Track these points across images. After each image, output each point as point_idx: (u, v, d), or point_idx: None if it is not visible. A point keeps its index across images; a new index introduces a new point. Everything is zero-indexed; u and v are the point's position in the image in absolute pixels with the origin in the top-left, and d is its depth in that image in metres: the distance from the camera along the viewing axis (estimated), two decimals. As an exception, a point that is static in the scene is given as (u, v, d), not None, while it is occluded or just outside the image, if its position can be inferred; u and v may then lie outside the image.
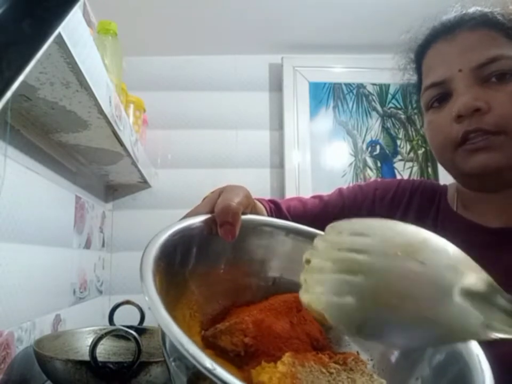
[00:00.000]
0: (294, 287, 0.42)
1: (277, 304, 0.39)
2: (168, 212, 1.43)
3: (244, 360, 0.33)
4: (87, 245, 1.16)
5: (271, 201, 0.66)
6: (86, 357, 0.58)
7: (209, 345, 0.35)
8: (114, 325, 0.80)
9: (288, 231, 0.45)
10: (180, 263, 0.37)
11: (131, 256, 1.39)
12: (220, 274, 0.41)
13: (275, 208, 0.65)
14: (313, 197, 0.71)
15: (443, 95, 0.55)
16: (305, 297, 0.30)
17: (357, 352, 0.39)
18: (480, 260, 0.54)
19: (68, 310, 0.99)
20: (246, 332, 0.34)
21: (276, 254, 0.44)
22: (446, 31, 0.56)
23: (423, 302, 0.27)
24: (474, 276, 0.30)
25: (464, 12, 0.56)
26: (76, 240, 1.06)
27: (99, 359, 0.57)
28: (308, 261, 0.32)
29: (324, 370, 0.32)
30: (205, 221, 0.39)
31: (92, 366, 0.57)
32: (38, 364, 0.65)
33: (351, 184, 0.72)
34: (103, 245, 1.34)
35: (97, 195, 1.28)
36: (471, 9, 0.55)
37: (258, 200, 0.61)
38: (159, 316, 0.25)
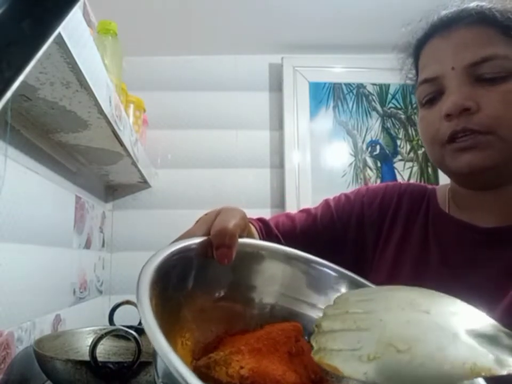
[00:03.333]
0: (290, 315, 0.41)
1: (274, 333, 0.37)
2: (168, 211, 1.43)
3: None
4: (87, 245, 1.16)
5: (259, 220, 0.66)
6: (86, 357, 0.58)
7: (202, 376, 0.32)
8: (114, 325, 0.80)
9: (285, 256, 0.43)
10: (175, 288, 0.35)
11: (131, 256, 1.39)
12: (214, 300, 0.39)
13: (264, 227, 0.65)
14: (301, 211, 0.70)
15: (435, 92, 0.55)
16: (317, 356, 0.30)
17: None
18: (472, 260, 0.54)
19: (68, 310, 0.99)
20: (242, 362, 0.32)
21: (271, 280, 0.42)
22: (442, 27, 0.55)
23: (431, 344, 0.27)
24: (478, 319, 0.30)
25: (462, 7, 0.55)
26: (76, 240, 1.06)
27: (99, 359, 0.57)
28: (319, 326, 0.33)
29: None
30: (201, 244, 0.37)
31: (92, 366, 0.57)
32: (38, 364, 0.65)
33: (337, 195, 0.70)
34: (103, 245, 1.34)
35: (97, 195, 1.28)
36: (471, 4, 0.54)
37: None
38: (157, 342, 0.24)
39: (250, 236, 0.51)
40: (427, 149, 0.58)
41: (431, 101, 0.55)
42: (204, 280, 0.38)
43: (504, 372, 0.26)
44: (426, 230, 0.60)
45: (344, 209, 0.66)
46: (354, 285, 0.43)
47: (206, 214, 0.43)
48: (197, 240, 0.38)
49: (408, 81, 0.65)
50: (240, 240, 0.39)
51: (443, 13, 0.56)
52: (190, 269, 0.37)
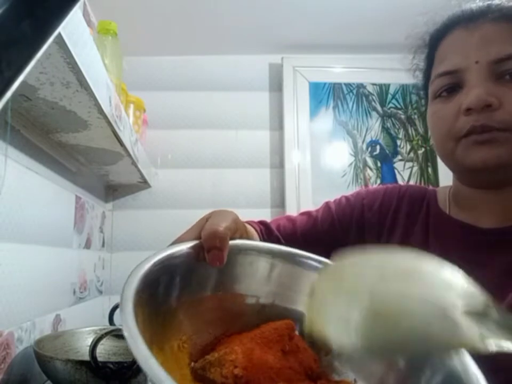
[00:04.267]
0: (287, 314, 0.41)
1: (267, 332, 0.38)
2: (168, 211, 1.43)
3: None
4: (87, 245, 1.16)
5: (260, 222, 0.66)
6: (86, 357, 0.58)
7: (199, 378, 0.33)
8: (114, 325, 0.80)
9: (278, 255, 0.43)
10: (166, 293, 0.35)
11: (131, 256, 1.39)
12: (209, 303, 0.39)
13: (265, 230, 0.64)
14: (301, 214, 0.70)
15: (453, 86, 0.53)
16: (309, 328, 0.31)
17: (354, 380, 0.38)
18: (474, 261, 0.54)
19: (68, 310, 0.99)
20: (236, 362, 0.33)
21: (266, 279, 0.42)
22: (468, 19, 0.54)
23: (419, 318, 0.28)
24: (470, 294, 0.31)
25: (489, 2, 0.54)
26: (76, 240, 1.06)
27: (99, 359, 0.57)
28: (311, 295, 0.33)
29: None
30: (192, 247, 0.37)
31: (92, 366, 0.57)
32: (38, 363, 0.65)
33: (337, 197, 0.70)
34: (103, 245, 1.34)
35: (97, 195, 1.28)
36: (497, 1, 0.53)
37: (248, 223, 0.61)
38: (137, 350, 0.24)
39: (250, 237, 0.51)
40: (438, 143, 0.57)
41: (448, 94, 0.54)
42: (196, 283, 0.38)
43: (487, 350, 0.27)
44: (427, 231, 0.60)
45: (344, 212, 0.66)
46: None
47: (199, 220, 0.43)
48: (189, 244, 0.38)
49: (417, 73, 0.63)
50: (232, 242, 0.39)
51: (468, 5, 0.55)
52: (181, 274, 0.37)
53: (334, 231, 0.65)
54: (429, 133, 0.61)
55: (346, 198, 0.68)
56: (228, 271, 0.40)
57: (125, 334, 0.25)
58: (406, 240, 0.60)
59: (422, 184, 1.45)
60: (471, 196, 0.58)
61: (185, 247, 0.37)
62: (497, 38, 0.51)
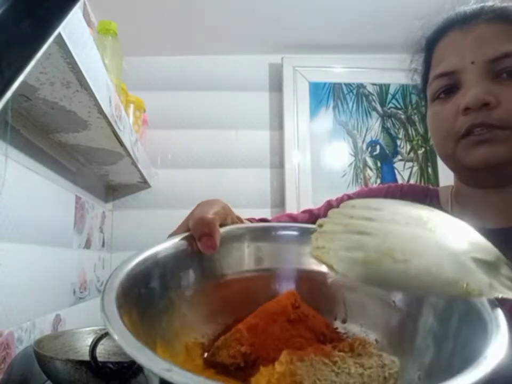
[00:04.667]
0: (289, 286, 0.41)
1: (269, 306, 0.37)
2: (168, 212, 1.43)
3: (247, 371, 0.31)
4: (87, 245, 1.16)
5: (261, 219, 0.66)
6: (86, 357, 0.58)
7: (211, 365, 0.33)
8: (114, 325, 0.80)
9: (265, 232, 0.43)
10: (162, 289, 0.35)
11: (131, 256, 1.38)
12: (210, 293, 0.38)
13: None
14: (303, 211, 0.70)
15: (451, 87, 0.54)
16: (315, 253, 0.32)
17: (376, 340, 0.37)
18: None
19: (68, 310, 0.98)
20: (242, 340, 0.32)
21: (266, 259, 0.42)
22: (462, 21, 0.55)
23: (430, 260, 0.29)
24: (482, 246, 0.31)
25: (483, 4, 0.55)
26: (76, 240, 1.06)
27: (99, 359, 0.57)
28: (320, 226, 0.34)
29: (326, 360, 0.30)
30: (183, 239, 0.37)
31: (92, 366, 0.57)
32: (38, 363, 0.65)
33: (339, 195, 0.70)
34: (103, 245, 1.34)
35: (97, 195, 1.28)
36: (490, 2, 0.54)
37: (249, 219, 0.61)
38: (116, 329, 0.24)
39: None
40: (438, 144, 0.57)
41: (446, 95, 0.55)
42: (194, 275, 0.38)
43: (493, 296, 0.27)
44: None
45: None
46: None
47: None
48: (179, 237, 0.37)
49: (415, 77, 0.63)
50: (223, 228, 0.39)
51: (462, 8, 0.56)
52: (175, 267, 0.36)
53: None
54: (429, 134, 0.61)
55: (348, 196, 0.68)
56: (224, 258, 0.39)
57: (111, 331, 0.25)
58: None
59: (422, 184, 1.45)
60: (473, 196, 0.58)
61: (175, 240, 0.37)
62: (491, 38, 0.52)
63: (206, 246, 0.36)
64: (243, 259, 0.41)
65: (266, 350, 0.32)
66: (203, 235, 0.36)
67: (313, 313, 0.37)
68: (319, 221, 0.34)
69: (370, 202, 0.36)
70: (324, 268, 0.39)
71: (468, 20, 0.54)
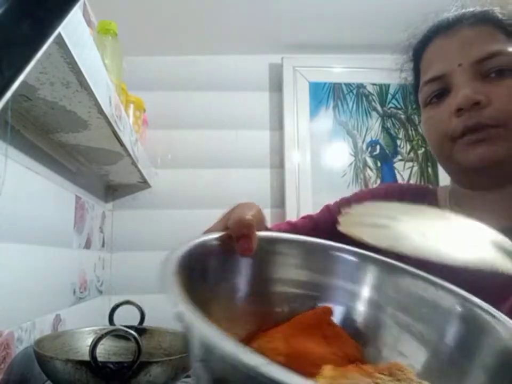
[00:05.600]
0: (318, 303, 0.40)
1: (306, 318, 0.36)
2: (168, 212, 1.43)
3: None
4: (87, 245, 1.16)
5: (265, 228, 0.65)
6: (86, 357, 0.58)
7: None
8: (114, 325, 0.80)
9: (305, 246, 0.42)
10: (199, 282, 0.33)
11: (131, 256, 1.39)
12: (240, 298, 0.37)
13: None
14: (303, 217, 0.69)
15: (442, 91, 0.55)
16: (345, 228, 0.35)
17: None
18: None
19: (68, 310, 0.98)
20: (278, 350, 0.31)
21: (295, 271, 0.41)
22: (446, 27, 0.56)
23: (457, 240, 0.33)
24: (501, 239, 0.35)
25: (464, 9, 0.57)
26: (76, 240, 1.06)
27: (99, 359, 0.57)
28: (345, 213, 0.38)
29: (368, 380, 0.29)
30: (220, 238, 0.36)
31: (92, 366, 0.57)
32: (38, 363, 0.65)
33: (338, 199, 0.70)
34: (103, 245, 1.34)
35: (97, 195, 1.28)
36: (471, 7, 0.56)
37: None
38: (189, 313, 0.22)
39: None
40: (435, 146, 0.58)
41: (438, 99, 0.56)
42: (227, 276, 0.37)
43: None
44: None
45: None
46: (377, 265, 0.42)
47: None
48: (216, 235, 0.37)
49: (408, 84, 0.65)
50: (260, 233, 0.38)
51: (445, 15, 0.57)
52: (212, 265, 0.36)
53: (335, 232, 0.65)
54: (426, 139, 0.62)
55: (347, 198, 0.68)
56: (256, 264, 0.39)
57: (171, 295, 0.24)
58: None
59: (421, 184, 1.45)
60: (468, 198, 0.58)
61: (213, 237, 0.36)
62: (475, 40, 0.53)
63: (244, 248, 0.36)
64: (275, 267, 0.41)
65: (301, 363, 0.31)
66: (241, 236, 0.36)
67: (345, 335, 0.37)
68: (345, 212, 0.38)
69: (395, 207, 0.39)
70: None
71: (451, 26, 0.56)
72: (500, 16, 0.54)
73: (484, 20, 0.54)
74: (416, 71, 0.62)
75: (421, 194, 0.65)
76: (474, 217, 0.57)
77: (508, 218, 0.55)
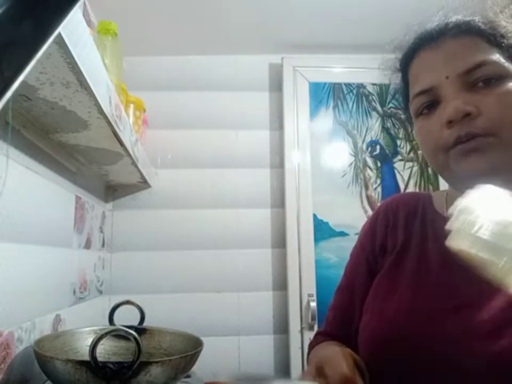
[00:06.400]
0: None
1: None
2: (168, 212, 1.43)
3: None
4: (87, 245, 1.16)
5: (320, 335, 0.66)
6: (86, 357, 0.58)
7: None
8: (114, 325, 0.80)
9: None
10: None
11: (131, 256, 1.39)
12: None
13: (328, 338, 0.64)
14: (336, 296, 0.69)
15: (431, 102, 0.56)
16: (455, 242, 0.35)
17: None
18: None
19: (68, 310, 0.98)
20: None
21: None
22: (429, 39, 0.57)
23: None
24: None
25: (446, 20, 0.57)
26: (76, 240, 1.06)
27: (99, 359, 0.57)
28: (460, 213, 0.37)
29: None
30: None
31: (92, 366, 0.57)
32: (38, 363, 0.65)
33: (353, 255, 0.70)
34: (103, 245, 1.34)
35: (97, 195, 1.28)
36: (453, 18, 0.57)
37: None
38: None
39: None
40: (430, 157, 0.58)
41: (429, 110, 0.56)
42: None
43: None
44: (425, 236, 0.60)
45: (360, 265, 0.65)
46: None
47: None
48: None
49: (399, 94, 0.66)
50: None
51: (428, 26, 0.58)
52: None
53: (370, 276, 0.64)
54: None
55: (355, 249, 0.68)
56: None
57: None
58: (407, 243, 0.60)
59: (422, 184, 1.45)
60: None
61: None
62: (461, 51, 0.54)
63: None
64: None
65: None
66: None
67: None
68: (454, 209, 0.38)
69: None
70: None
71: (435, 38, 0.56)
72: (482, 26, 0.54)
73: (467, 30, 0.55)
74: (405, 81, 0.63)
75: (414, 202, 0.65)
76: None
77: None
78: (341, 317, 0.65)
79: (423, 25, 0.58)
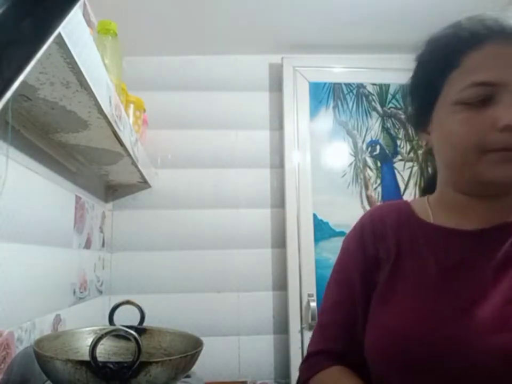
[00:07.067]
0: None
1: None
2: (168, 212, 1.43)
3: None
4: (87, 245, 1.16)
5: (321, 355, 0.63)
6: (86, 357, 0.58)
7: None
8: (114, 325, 0.80)
9: None
10: None
11: (131, 256, 1.39)
12: None
13: (333, 358, 0.61)
14: (331, 312, 0.66)
15: (487, 96, 0.52)
16: None
17: None
18: (461, 261, 0.54)
19: (68, 310, 0.99)
20: None
21: None
22: (507, 33, 0.53)
23: None
24: None
25: None
26: (76, 240, 1.06)
27: (99, 359, 0.57)
28: None
29: None
30: None
31: (92, 366, 0.57)
32: (38, 364, 0.65)
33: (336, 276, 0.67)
34: (103, 245, 1.34)
35: (97, 195, 1.28)
36: None
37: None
38: None
39: None
40: (455, 151, 0.55)
41: (481, 104, 0.53)
42: None
43: None
44: (412, 242, 0.59)
45: (357, 270, 0.63)
46: None
47: None
48: None
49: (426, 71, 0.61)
50: None
51: (502, 21, 0.54)
52: None
53: (367, 288, 0.62)
54: (435, 139, 0.59)
55: (346, 257, 0.66)
56: None
57: None
58: (400, 251, 0.60)
59: (422, 184, 1.45)
60: (460, 202, 0.58)
61: None
62: None
63: None
64: None
65: None
66: None
67: None
68: None
69: None
70: None
71: (508, 33, 0.53)
72: None
73: None
74: (449, 65, 0.56)
75: (395, 212, 0.64)
76: (456, 222, 0.57)
77: (490, 220, 0.55)
78: (344, 333, 0.62)
79: (494, 15, 0.54)
